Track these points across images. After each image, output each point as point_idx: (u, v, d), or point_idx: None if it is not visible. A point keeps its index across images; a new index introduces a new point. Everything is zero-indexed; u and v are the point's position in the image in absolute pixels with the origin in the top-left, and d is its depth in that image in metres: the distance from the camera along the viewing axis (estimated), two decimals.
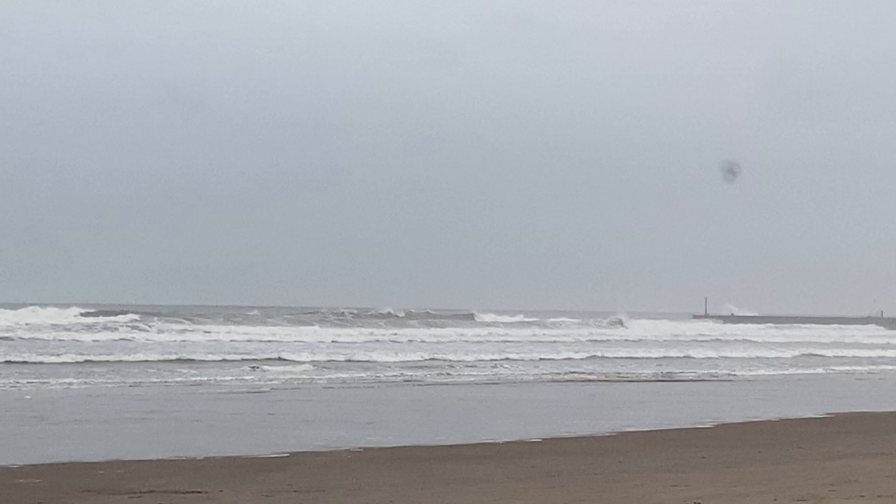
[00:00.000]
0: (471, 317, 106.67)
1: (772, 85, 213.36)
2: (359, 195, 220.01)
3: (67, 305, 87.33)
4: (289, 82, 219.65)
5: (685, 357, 68.98)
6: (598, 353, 68.76)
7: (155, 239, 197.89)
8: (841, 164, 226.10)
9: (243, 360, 54.05)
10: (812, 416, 33.32)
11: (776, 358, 71.02)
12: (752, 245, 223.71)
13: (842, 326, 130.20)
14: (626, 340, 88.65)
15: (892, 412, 34.43)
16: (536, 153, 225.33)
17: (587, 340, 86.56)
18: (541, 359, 61.86)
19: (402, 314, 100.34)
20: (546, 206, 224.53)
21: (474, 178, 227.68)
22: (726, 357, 70.23)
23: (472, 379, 47.62)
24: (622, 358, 65.05)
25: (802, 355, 75.05)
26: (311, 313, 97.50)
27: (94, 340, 66.53)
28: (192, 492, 17.54)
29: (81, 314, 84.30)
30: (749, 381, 50.83)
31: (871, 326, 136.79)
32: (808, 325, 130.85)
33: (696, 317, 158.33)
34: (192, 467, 20.92)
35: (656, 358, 66.11)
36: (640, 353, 69.18)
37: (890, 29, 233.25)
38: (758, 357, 71.35)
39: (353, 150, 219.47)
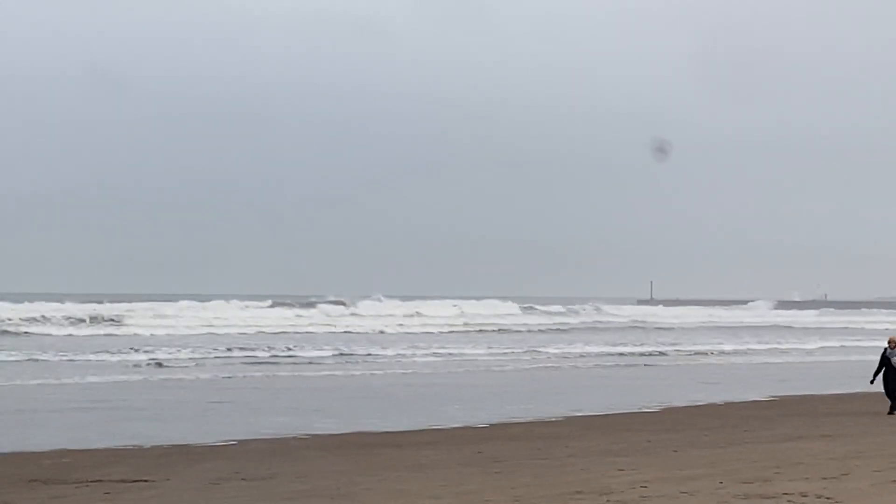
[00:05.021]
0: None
1: (700, 70, 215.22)
2: (293, 185, 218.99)
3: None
4: (215, 66, 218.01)
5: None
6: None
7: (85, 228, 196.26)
8: (771, 146, 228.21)
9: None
10: (757, 398, 33.58)
11: None
12: (691, 228, 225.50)
13: (863, 311, 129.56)
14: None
15: (835, 394, 34.76)
16: (464, 136, 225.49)
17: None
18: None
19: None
20: (487, 195, 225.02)
21: (411, 165, 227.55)
22: None
23: (419, 366, 47.63)
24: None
25: None
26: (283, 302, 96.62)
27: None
28: (139, 480, 17.42)
29: None
30: None
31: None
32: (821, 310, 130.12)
33: (641, 301, 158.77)
34: (139, 456, 20.78)
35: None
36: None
37: (814, 15, 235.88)
38: None
39: (283, 138, 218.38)
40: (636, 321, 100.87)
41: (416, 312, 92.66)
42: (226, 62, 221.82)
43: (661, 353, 57.99)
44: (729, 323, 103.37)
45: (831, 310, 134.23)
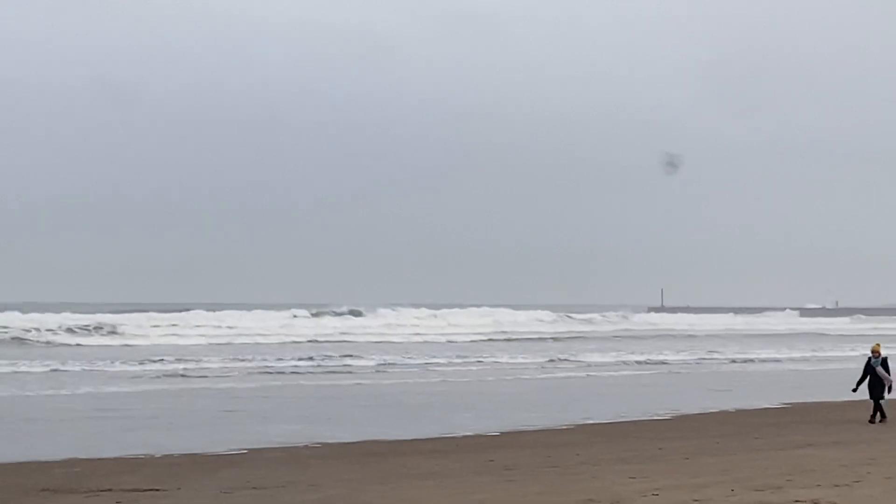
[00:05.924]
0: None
1: (710, 74, 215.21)
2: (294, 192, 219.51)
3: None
4: (222, 76, 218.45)
5: None
6: None
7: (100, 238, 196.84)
8: (778, 151, 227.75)
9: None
10: (768, 406, 33.51)
11: None
12: (701, 236, 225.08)
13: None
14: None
15: (846, 402, 34.62)
16: (472, 147, 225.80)
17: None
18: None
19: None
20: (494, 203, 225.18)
21: (415, 175, 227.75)
22: None
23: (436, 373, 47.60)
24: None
25: None
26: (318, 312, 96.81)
27: None
28: (150, 489, 17.43)
29: None
30: None
31: None
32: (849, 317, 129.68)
33: (651, 309, 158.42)
34: (150, 465, 20.79)
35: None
36: None
37: (825, 20, 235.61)
38: None
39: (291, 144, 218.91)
40: (665, 329, 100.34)
41: (447, 322, 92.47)
42: (234, 71, 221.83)
43: (733, 361, 58.09)
44: (768, 332, 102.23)
45: (861, 316, 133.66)
